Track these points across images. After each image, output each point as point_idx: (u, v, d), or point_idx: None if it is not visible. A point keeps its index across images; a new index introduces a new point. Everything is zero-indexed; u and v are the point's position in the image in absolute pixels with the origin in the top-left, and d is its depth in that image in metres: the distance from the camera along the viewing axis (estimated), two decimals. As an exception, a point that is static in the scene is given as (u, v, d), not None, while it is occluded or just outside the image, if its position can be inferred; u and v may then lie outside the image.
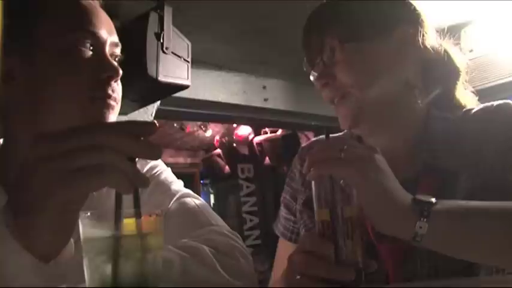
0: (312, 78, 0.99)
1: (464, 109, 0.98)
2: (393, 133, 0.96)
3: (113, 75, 0.86)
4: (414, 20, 0.94)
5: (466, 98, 1.02)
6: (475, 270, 0.81)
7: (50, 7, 0.86)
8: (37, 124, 0.84)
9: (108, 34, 0.89)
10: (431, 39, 0.96)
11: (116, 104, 0.88)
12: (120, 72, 0.87)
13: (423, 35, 0.93)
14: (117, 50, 0.92)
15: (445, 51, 0.98)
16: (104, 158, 0.55)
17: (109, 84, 0.86)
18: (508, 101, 0.92)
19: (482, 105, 0.95)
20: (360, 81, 0.90)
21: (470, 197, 0.80)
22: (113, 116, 0.87)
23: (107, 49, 0.88)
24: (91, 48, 0.86)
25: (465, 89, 1.02)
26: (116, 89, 0.88)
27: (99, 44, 0.87)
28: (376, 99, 0.91)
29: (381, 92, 0.91)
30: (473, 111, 0.96)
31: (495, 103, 0.93)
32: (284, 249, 1.14)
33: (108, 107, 0.85)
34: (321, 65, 0.94)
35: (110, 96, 0.86)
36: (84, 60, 0.84)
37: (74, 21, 0.86)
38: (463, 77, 1.01)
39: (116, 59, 0.92)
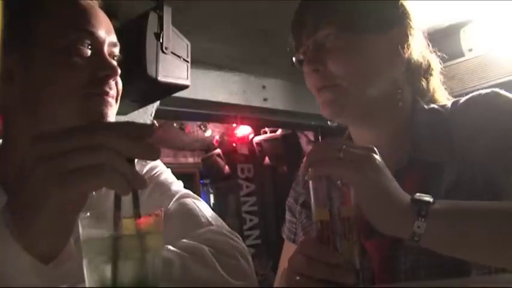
0: (294, 60, 1.00)
1: (452, 100, 0.98)
2: (377, 127, 0.97)
3: (110, 74, 0.87)
4: (407, 23, 0.95)
5: (444, 99, 1.03)
6: (462, 265, 0.81)
7: (48, 7, 0.87)
8: (36, 124, 0.85)
9: (107, 34, 0.89)
10: (418, 42, 0.98)
11: (114, 101, 0.89)
12: (118, 71, 0.88)
13: (413, 38, 0.95)
14: (116, 50, 0.93)
15: (424, 55, 1.00)
16: (102, 158, 0.55)
17: (107, 82, 0.87)
18: (496, 89, 0.91)
19: (470, 95, 0.94)
20: (351, 73, 0.91)
21: (455, 191, 0.81)
22: (111, 113, 0.87)
23: (106, 49, 0.89)
24: (89, 47, 0.86)
25: (445, 89, 1.05)
26: (114, 86, 0.89)
27: (97, 44, 0.87)
28: (363, 93, 0.92)
29: (369, 87, 0.92)
30: (461, 101, 0.95)
31: (483, 92, 0.91)
32: (288, 251, 1.14)
33: (106, 103, 0.86)
34: (311, 48, 0.94)
35: (107, 93, 0.87)
36: (82, 59, 0.85)
37: (73, 21, 0.86)
38: (438, 77, 1.03)
39: (115, 58, 0.92)
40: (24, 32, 0.84)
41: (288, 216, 1.16)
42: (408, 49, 0.94)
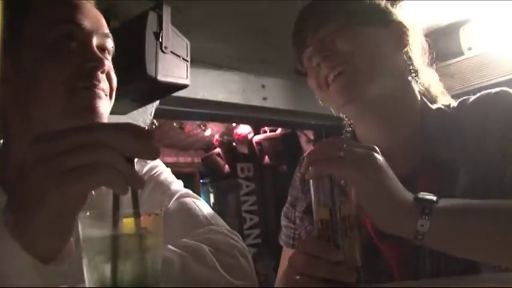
0: (298, 66, 1.01)
1: (461, 98, 0.98)
2: (387, 125, 0.96)
3: (97, 65, 0.85)
4: (406, 19, 0.98)
5: (438, 89, 1.05)
6: (477, 268, 0.81)
7: (33, 5, 0.87)
8: (30, 123, 0.84)
9: (94, 25, 0.88)
10: (418, 41, 1.00)
11: (105, 94, 0.87)
12: (105, 62, 0.87)
13: (410, 37, 0.97)
14: (108, 41, 0.91)
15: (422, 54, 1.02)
16: (99, 156, 0.55)
17: (94, 74, 0.85)
18: (505, 88, 0.91)
19: (479, 94, 0.94)
20: (359, 54, 0.91)
21: (471, 191, 0.80)
22: (102, 106, 0.86)
23: (94, 41, 0.88)
24: (76, 40, 0.85)
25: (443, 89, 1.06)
26: (104, 80, 0.87)
27: (83, 36, 0.86)
28: (372, 77, 0.91)
29: (376, 73, 0.92)
30: (471, 100, 0.95)
31: (492, 91, 0.92)
32: (287, 257, 1.14)
33: (95, 96, 0.85)
34: (315, 43, 0.95)
35: (95, 86, 0.85)
36: (68, 52, 0.84)
37: (57, 15, 0.86)
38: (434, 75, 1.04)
39: (107, 50, 0.91)
40: (12, 32, 0.84)
41: (284, 222, 1.16)
42: (407, 46, 0.96)
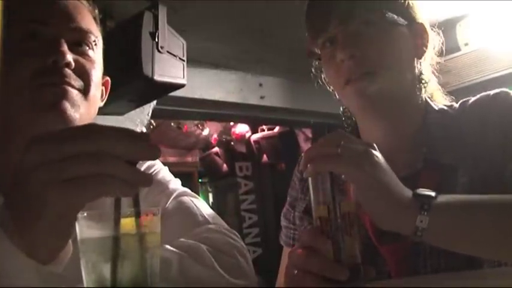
0: (310, 50, 0.98)
1: (462, 100, 0.98)
2: (393, 124, 0.96)
3: (56, 59, 0.82)
4: (424, 20, 0.97)
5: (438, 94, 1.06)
6: (477, 267, 0.81)
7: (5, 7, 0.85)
8: (9, 123, 0.83)
9: (65, 21, 0.86)
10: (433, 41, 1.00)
11: (76, 90, 0.85)
12: (67, 57, 0.83)
13: (428, 37, 0.97)
14: (87, 36, 0.89)
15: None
16: (104, 167, 0.54)
17: (56, 70, 0.82)
18: (505, 89, 0.91)
19: (479, 95, 0.95)
20: (386, 61, 0.90)
21: (471, 191, 0.80)
22: (71, 102, 0.83)
23: (64, 36, 0.84)
24: (41, 38, 0.83)
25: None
26: (72, 76, 0.84)
27: (49, 33, 0.84)
28: (394, 83, 0.91)
29: (400, 78, 0.92)
30: (471, 101, 0.95)
31: (492, 92, 0.92)
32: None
33: (60, 93, 0.82)
34: (343, 35, 0.91)
35: (62, 83, 0.82)
36: (32, 51, 0.82)
37: (22, 14, 0.83)
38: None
39: (88, 44, 0.89)
40: None
41: (283, 222, 1.16)
42: (427, 48, 0.96)
